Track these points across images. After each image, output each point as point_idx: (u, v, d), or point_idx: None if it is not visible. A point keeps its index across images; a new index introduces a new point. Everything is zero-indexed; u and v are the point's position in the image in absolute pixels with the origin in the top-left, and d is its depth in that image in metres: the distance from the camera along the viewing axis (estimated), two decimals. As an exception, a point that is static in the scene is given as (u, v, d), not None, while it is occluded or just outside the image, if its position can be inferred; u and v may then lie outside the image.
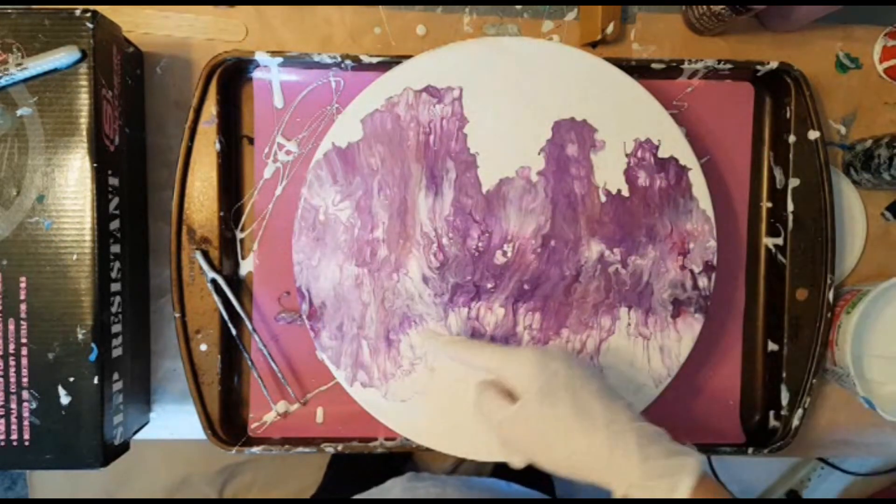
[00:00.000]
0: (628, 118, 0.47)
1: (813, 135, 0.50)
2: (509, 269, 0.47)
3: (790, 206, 0.50)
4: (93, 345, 0.42)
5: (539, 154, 0.47)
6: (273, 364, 0.49)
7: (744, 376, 0.52)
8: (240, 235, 0.51)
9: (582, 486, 1.21)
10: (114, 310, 0.44)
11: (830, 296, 0.50)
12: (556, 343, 0.47)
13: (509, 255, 0.47)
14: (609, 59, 0.47)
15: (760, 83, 0.52)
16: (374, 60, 0.48)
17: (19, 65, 0.41)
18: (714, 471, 1.09)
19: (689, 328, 0.47)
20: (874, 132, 0.54)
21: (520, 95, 0.47)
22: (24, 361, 0.42)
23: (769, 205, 0.52)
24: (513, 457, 0.39)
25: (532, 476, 1.03)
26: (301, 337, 0.50)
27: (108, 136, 0.44)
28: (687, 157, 0.47)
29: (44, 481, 1.14)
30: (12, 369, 0.42)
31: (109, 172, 0.44)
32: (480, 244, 0.47)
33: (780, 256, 0.51)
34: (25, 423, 0.42)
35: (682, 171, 0.47)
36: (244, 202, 0.51)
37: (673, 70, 0.50)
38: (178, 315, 0.48)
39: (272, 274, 0.50)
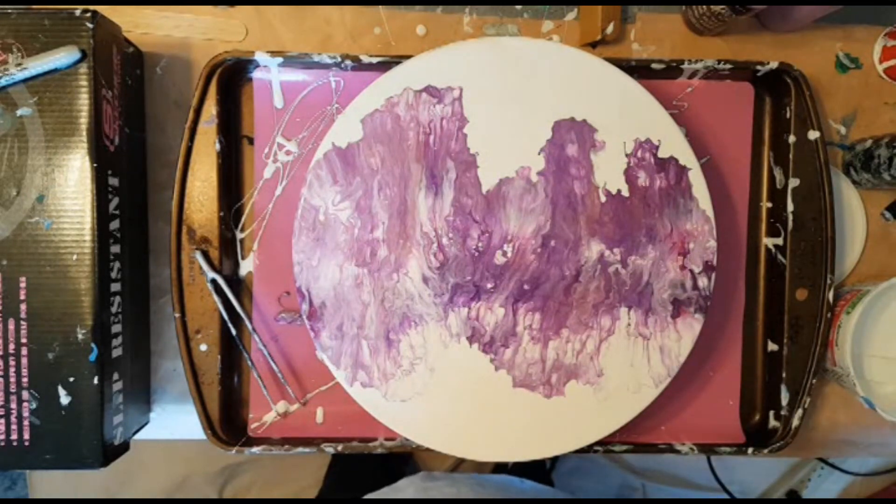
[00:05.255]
0: (628, 118, 0.47)
1: (813, 135, 0.50)
2: (509, 269, 0.47)
3: (790, 206, 0.50)
4: (93, 345, 0.42)
5: (539, 154, 0.47)
6: (273, 364, 0.49)
7: (744, 376, 0.52)
8: (240, 235, 0.51)
9: (580, 484, 1.21)
10: (114, 310, 0.44)
11: (830, 296, 0.50)
12: (556, 343, 0.47)
13: (509, 255, 0.47)
14: (609, 59, 0.47)
15: (760, 83, 0.52)
16: (374, 60, 0.48)
17: (19, 65, 0.41)
18: (714, 471, 1.09)
19: (689, 328, 0.47)
20: (874, 132, 0.54)
21: (520, 95, 0.47)
22: (24, 361, 0.42)
23: (769, 205, 0.52)
24: None
25: (531, 473, 1.03)
26: (301, 337, 0.50)
27: (108, 137, 0.44)
28: (687, 157, 0.47)
29: (44, 481, 1.14)
30: (12, 369, 0.42)
31: (109, 172, 0.44)
32: (480, 244, 0.47)
33: (780, 256, 0.51)
34: (25, 423, 0.42)
35: (682, 171, 0.47)
36: (244, 202, 0.51)
37: (673, 70, 0.50)
38: (178, 315, 0.48)
39: (272, 274, 0.50)
